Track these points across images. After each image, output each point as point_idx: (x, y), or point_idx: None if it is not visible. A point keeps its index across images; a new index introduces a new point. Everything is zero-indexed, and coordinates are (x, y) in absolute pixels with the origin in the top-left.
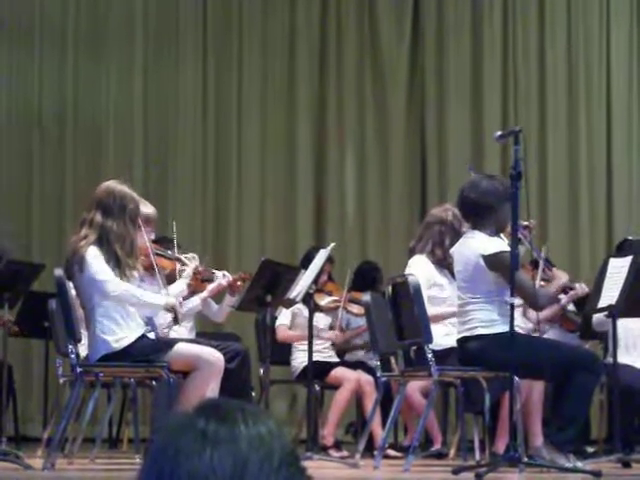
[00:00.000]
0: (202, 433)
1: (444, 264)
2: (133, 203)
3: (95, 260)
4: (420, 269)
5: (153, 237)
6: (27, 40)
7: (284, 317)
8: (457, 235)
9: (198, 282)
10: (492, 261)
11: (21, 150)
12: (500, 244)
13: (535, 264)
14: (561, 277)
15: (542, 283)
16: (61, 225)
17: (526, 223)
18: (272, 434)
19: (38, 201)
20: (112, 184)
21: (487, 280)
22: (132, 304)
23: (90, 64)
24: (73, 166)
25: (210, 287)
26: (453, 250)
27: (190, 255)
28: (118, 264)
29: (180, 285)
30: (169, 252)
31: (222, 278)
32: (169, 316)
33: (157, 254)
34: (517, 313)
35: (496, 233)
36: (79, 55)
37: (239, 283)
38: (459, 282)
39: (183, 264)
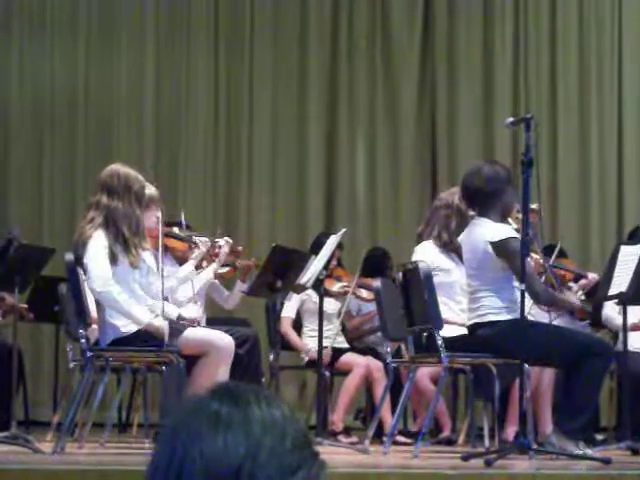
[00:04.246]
0: (215, 415)
1: (450, 248)
2: (138, 183)
3: (95, 249)
4: (424, 255)
5: (159, 216)
6: (39, 28)
7: (289, 309)
8: (464, 218)
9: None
10: (499, 248)
11: (32, 136)
12: (508, 230)
13: (547, 251)
14: (573, 300)
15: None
16: (72, 210)
17: (533, 206)
18: (285, 417)
19: (49, 186)
20: (116, 166)
21: (496, 267)
22: (113, 309)
23: (101, 51)
24: (84, 152)
25: (219, 257)
26: (461, 238)
27: (201, 239)
28: (125, 244)
29: (189, 267)
30: (185, 234)
31: (228, 246)
32: (189, 293)
33: (169, 235)
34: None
35: (502, 218)
36: (90, 42)
37: (249, 262)
38: (468, 270)
39: (195, 245)
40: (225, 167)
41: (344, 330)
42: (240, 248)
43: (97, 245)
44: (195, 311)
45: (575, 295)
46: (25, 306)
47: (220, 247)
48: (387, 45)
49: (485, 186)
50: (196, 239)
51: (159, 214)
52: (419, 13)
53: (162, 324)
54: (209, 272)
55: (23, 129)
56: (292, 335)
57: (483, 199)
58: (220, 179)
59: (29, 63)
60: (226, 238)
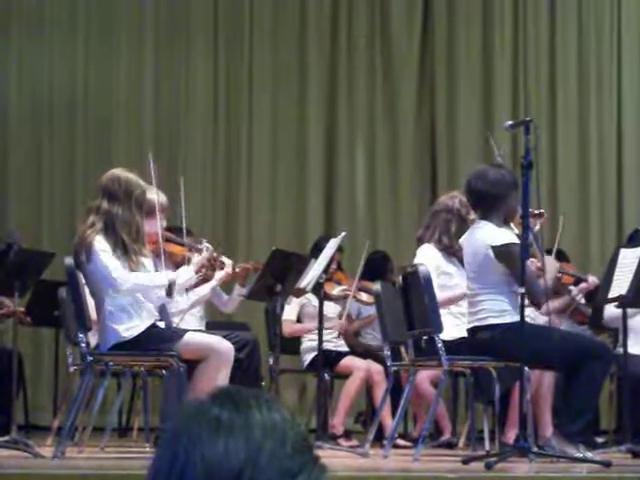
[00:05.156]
0: (216, 420)
1: (451, 252)
2: (139, 189)
3: (102, 253)
4: (428, 258)
5: (164, 224)
6: (38, 30)
7: (290, 311)
8: (464, 222)
9: (210, 271)
10: (500, 252)
11: (31, 139)
12: (509, 235)
13: (549, 254)
14: (551, 268)
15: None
16: (71, 213)
17: (538, 211)
18: (286, 421)
19: (48, 190)
20: (117, 171)
21: (496, 271)
22: (142, 293)
23: (100, 53)
24: (83, 155)
25: (219, 276)
26: (462, 241)
27: (204, 245)
28: (125, 250)
29: (188, 272)
30: (185, 239)
31: (230, 267)
32: (182, 305)
33: (169, 240)
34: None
35: (505, 222)
36: (89, 44)
37: (247, 265)
38: (469, 272)
39: (196, 251)
40: (224, 169)
41: (340, 334)
42: (238, 270)
43: (102, 249)
44: (194, 321)
45: (553, 263)
46: (22, 309)
47: (223, 263)
48: (386, 47)
49: (490, 190)
50: (200, 245)
51: (164, 223)
52: (418, 16)
53: (174, 276)
54: (206, 288)
55: (22, 132)
56: (297, 326)
57: (487, 202)
58: (220, 181)
59: (28, 65)
60: (228, 260)
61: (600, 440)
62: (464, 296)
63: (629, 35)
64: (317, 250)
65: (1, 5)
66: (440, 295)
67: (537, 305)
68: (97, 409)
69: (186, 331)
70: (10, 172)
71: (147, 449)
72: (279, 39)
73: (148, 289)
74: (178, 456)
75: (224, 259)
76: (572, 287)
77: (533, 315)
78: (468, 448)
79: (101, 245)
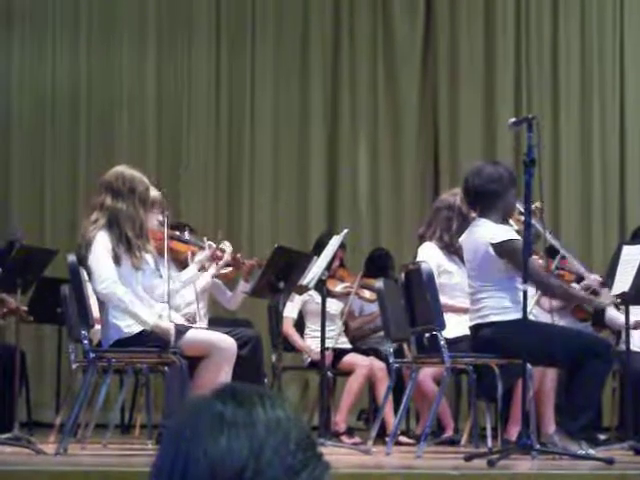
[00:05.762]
0: (220, 416)
1: (452, 250)
2: (142, 185)
3: (99, 251)
4: (429, 257)
5: (161, 219)
6: (40, 25)
7: (291, 309)
8: (465, 219)
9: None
10: (501, 249)
11: (34, 136)
12: (508, 231)
13: (550, 252)
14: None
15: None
16: (74, 211)
17: (534, 206)
18: (289, 418)
19: (51, 187)
20: (121, 168)
21: (497, 268)
22: (119, 309)
23: (103, 49)
24: (86, 151)
25: (221, 262)
26: (462, 239)
27: (207, 243)
28: (129, 246)
29: (191, 270)
30: (188, 237)
31: (230, 248)
32: (189, 297)
33: (173, 238)
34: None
35: (503, 219)
36: (92, 40)
37: (252, 261)
38: (469, 271)
39: (200, 249)
40: (227, 166)
41: (347, 331)
42: (239, 255)
43: (101, 246)
44: (191, 307)
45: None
46: (24, 306)
47: (223, 252)
48: (389, 45)
49: (487, 187)
50: (203, 243)
51: (160, 217)
52: (421, 14)
53: (169, 325)
54: (206, 277)
55: (25, 128)
56: (295, 336)
57: (484, 200)
58: (222, 178)
59: (30, 62)
60: (227, 243)
61: (602, 437)
62: (466, 311)
63: (632, 32)
64: (320, 247)
65: (3, 1)
66: (442, 299)
67: (550, 295)
68: (99, 406)
69: (189, 327)
70: (13, 169)
71: (149, 446)
72: (282, 37)
73: (125, 310)
74: (181, 453)
75: (224, 245)
76: (574, 284)
77: (535, 312)
78: (470, 445)
79: (101, 241)
